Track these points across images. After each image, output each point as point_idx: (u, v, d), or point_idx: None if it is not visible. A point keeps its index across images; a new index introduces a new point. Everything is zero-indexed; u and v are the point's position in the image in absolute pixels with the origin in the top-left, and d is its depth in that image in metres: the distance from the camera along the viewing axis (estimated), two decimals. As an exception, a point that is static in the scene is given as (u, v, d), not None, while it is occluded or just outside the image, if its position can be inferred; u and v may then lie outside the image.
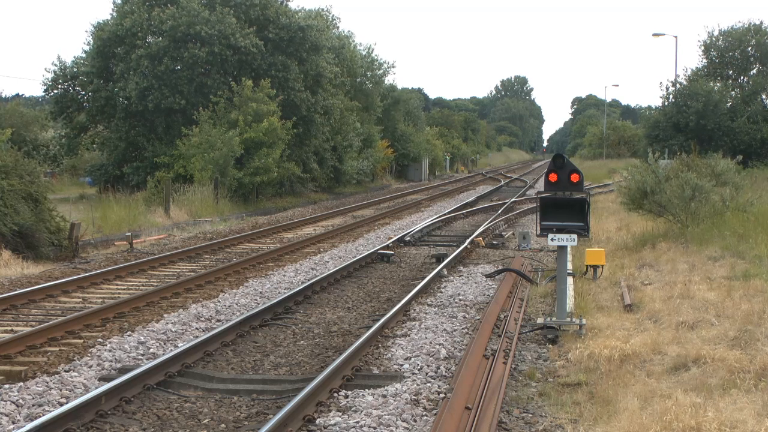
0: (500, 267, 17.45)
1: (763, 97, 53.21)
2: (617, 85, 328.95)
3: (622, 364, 9.68)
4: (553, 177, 11.43)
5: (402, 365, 9.94)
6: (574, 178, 11.38)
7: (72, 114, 38.69)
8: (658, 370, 9.45)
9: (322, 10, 51.33)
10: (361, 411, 8.30)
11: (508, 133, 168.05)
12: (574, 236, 11.53)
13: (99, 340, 11.05)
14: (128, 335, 11.32)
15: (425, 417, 8.18)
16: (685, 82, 52.04)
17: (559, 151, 69.34)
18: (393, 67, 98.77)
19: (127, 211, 25.26)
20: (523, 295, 14.39)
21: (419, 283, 15.17)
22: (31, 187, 19.22)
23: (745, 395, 8.24)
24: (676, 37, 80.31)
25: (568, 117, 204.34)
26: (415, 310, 13.23)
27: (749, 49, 52.98)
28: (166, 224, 25.82)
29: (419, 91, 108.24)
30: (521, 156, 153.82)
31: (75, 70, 38.01)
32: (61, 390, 8.88)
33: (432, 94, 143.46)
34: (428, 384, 9.19)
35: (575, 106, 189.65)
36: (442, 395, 8.79)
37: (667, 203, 20.01)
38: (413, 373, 9.62)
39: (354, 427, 7.87)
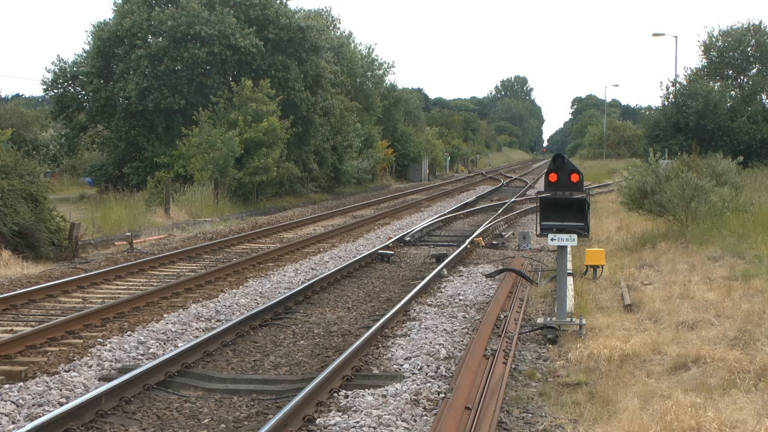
0: (500, 267, 17.44)
1: (763, 97, 53.26)
2: (617, 85, 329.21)
3: (622, 364, 9.68)
4: (553, 177, 11.44)
5: (402, 365, 9.93)
6: (574, 178, 11.38)
7: (72, 114, 38.72)
8: (658, 370, 9.45)
9: (323, 10, 51.36)
10: (361, 411, 8.30)
11: (508, 133, 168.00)
12: (574, 236, 11.53)
13: (99, 340, 11.05)
14: (128, 335, 11.32)
15: (425, 417, 8.18)
16: (685, 82, 52.06)
17: (559, 151, 69.44)
18: (393, 67, 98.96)
19: (127, 211, 25.27)
20: (523, 295, 14.39)
21: (419, 283, 15.16)
22: (31, 187, 19.22)
23: (745, 395, 8.24)
24: (676, 37, 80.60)
25: (568, 117, 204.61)
26: (415, 310, 13.22)
27: (749, 49, 53.01)
28: (166, 224, 25.82)
29: (419, 91, 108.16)
30: (521, 156, 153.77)
31: (75, 69, 38.04)
32: (61, 390, 8.88)
33: (432, 94, 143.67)
34: (428, 384, 9.19)
35: (575, 106, 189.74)
36: (442, 395, 8.78)
37: (667, 203, 20.01)
38: (413, 373, 9.61)
39: (354, 427, 7.87)
